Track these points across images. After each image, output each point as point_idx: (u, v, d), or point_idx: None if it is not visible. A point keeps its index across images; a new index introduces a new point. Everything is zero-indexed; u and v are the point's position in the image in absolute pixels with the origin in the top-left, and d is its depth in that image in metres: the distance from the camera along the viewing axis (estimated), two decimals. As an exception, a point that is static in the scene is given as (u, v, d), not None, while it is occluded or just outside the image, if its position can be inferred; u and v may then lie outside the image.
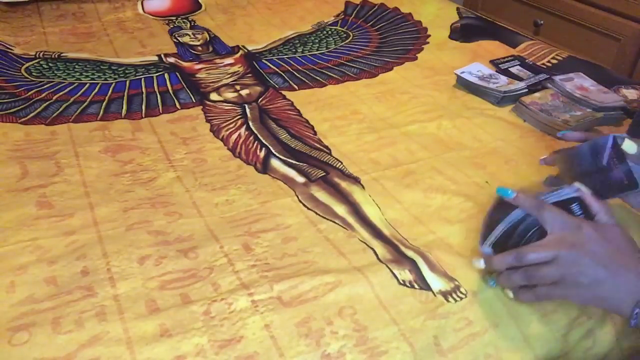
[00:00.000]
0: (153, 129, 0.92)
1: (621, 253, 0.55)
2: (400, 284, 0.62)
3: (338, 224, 0.72)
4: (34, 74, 1.08)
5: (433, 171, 0.84)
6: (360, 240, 0.69)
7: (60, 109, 0.96)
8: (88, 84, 1.05)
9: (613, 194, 0.65)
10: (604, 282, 0.54)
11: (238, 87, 1.07)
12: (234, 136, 0.91)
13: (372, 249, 0.68)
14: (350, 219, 0.73)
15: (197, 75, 1.11)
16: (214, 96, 1.03)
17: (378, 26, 1.41)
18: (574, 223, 0.56)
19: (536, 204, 0.58)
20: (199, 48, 1.23)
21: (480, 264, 0.61)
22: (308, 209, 0.75)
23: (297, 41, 1.30)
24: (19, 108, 0.96)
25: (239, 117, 0.97)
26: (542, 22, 1.81)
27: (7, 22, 1.30)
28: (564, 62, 1.22)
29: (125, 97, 1.01)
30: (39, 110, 0.95)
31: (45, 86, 1.04)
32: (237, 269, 0.64)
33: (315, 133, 0.93)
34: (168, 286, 0.61)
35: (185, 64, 1.15)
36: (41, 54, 1.16)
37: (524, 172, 0.84)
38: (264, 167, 0.83)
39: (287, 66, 1.18)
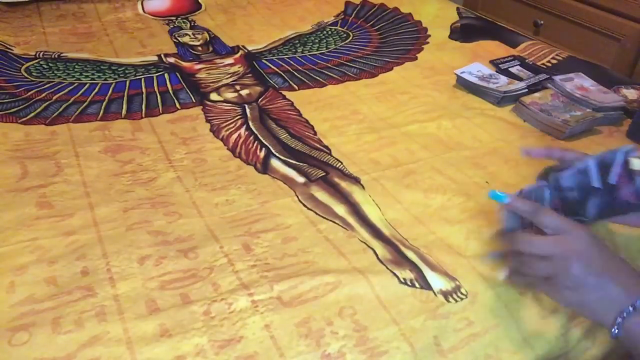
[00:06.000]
0: (153, 129, 0.92)
1: (612, 263, 0.55)
2: (401, 282, 0.62)
3: (338, 224, 0.72)
4: (34, 74, 1.08)
5: (433, 171, 0.83)
6: (360, 241, 0.69)
7: (60, 109, 0.96)
8: (88, 84, 1.05)
9: (616, 213, 0.62)
10: (591, 289, 0.54)
11: (238, 87, 1.07)
12: (234, 136, 0.91)
13: (372, 249, 0.68)
14: (350, 219, 0.73)
15: (197, 75, 1.11)
16: (214, 96, 1.03)
17: (378, 26, 1.41)
18: (570, 226, 0.56)
19: (533, 208, 0.58)
20: (199, 48, 1.23)
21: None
22: (308, 209, 0.75)
23: (297, 41, 1.30)
24: (19, 108, 0.96)
25: (239, 117, 0.97)
26: (542, 22, 1.80)
27: (7, 22, 1.30)
28: (564, 62, 1.22)
29: (125, 97, 1.01)
30: (39, 110, 0.95)
31: (45, 86, 1.03)
32: (237, 269, 0.64)
33: (315, 133, 0.93)
34: (168, 286, 0.61)
35: (185, 64, 1.15)
36: (41, 54, 1.16)
37: (524, 172, 0.84)
38: (264, 167, 0.83)
39: (287, 66, 1.18)
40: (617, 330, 0.52)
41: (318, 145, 0.89)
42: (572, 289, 0.55)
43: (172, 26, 1.35)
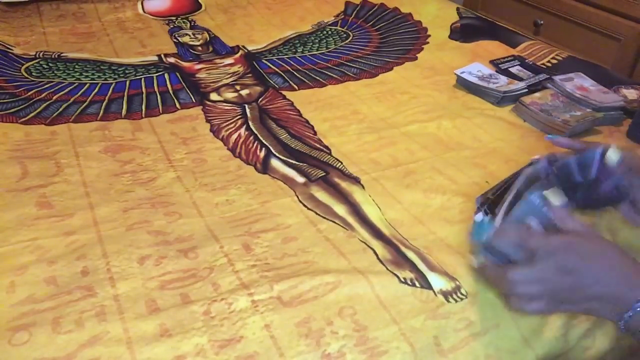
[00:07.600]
0: (153, 129, 0.92)
1: (610, 258, 0.52)
2: (401, 282, 0.62)
3: (338, 224, 0.72)
4: (34, 74, 1.08)
5: (433, 171, 0.84)
6: (360, 241, 0.69)
7: (60, 109, 0.96)
8: (88, 84, 1.05)
9: (600, 206, 0.66)
10: (593, 294, 0.51)
11: (238, 87, 1.07)
12: (234, 136, 0.91)
13: (372, 249, 0.68)
14: (350, 219, 0.73)
15: (197, 75, 1.11)
16: (214, 96, 1.03)
17: (378, 26, 1.41)
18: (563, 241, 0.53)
19: (521, 237, 0.54)
20: (199, 48, 1.23)
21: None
22: (308, 209, 0.75)
23: (297, 41, 1.30)
24: (19, 108, 0.96)
25: (239, 117, 0.97)
26: (542, 22, 1.80)
27: (7, 22, 1.30)
28: (564, 62, 1.22)
29: (125, 97, 1.01)
30: (39, 110, 0.95)
31: (45, 86, 1.03)
32: (237, 269, 0.64)
33: (315, 133, 0.93)
34: (168, 286, 0.61)
35: (185, 64, 1.15)
36: (41, 54, 1.16)
37: (524, 172, 0.84)
38: (264, 167, 0.83)
39: (287, 66, 1.18)
40: (623, 325, 0.51)
41: (318, 145, 0.89)
42: (575, 301, 0.52)
43: (172, 26, 1.35)
